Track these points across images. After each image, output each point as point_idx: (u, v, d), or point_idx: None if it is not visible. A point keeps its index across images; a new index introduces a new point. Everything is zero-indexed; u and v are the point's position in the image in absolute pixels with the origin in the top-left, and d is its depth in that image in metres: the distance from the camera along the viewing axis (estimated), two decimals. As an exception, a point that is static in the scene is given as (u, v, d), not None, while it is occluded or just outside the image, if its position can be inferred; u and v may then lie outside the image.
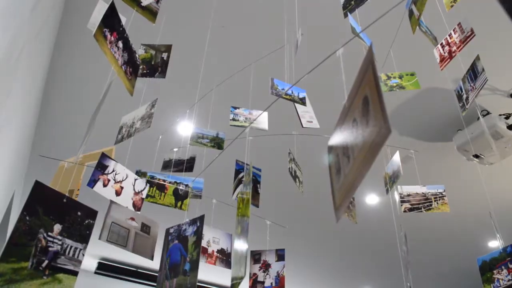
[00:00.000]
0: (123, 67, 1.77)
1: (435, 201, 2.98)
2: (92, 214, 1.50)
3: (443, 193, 3.00)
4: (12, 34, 1.96)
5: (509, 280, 2.51)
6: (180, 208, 2.82)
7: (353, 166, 0.93)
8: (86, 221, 1.46)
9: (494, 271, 2.61)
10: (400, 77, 2.62)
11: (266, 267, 2.77)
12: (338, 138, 1.09)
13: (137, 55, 1.87)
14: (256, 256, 2.85)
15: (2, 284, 1.18)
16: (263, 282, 2.71)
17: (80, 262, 1.39)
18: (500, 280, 2.55)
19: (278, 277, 2.70)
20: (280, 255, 2.80)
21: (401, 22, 2.77)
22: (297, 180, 2.91)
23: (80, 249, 1.40)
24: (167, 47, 2.46)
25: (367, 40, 2.24)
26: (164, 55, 2.47)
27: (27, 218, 1.31)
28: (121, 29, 1.83)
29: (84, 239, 1.43)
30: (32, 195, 1.36)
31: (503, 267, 2.60)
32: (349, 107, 1.05)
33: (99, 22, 1.66)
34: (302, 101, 2.53)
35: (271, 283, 2.69)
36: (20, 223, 1.29)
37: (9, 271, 1.21)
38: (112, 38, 1.76)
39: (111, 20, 1.74)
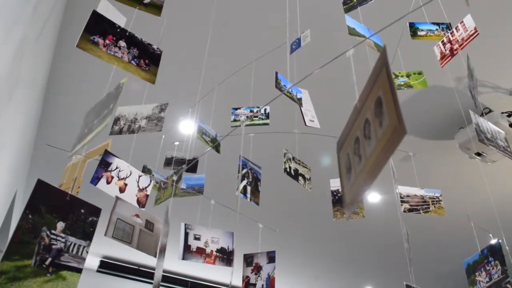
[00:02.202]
0: (133, 61, 1.78)
1: (432, 204, 3.02)
2: (96, 211, 1.51)
3: (440, 197, 3.04)
4: (15, 33, 1.96)
5: (487, 282, 2.58)
6: (175, 193, 2.85)
7: (365, 166, 0.95)
8: (90, 219, 1.47)
9: (476, 274, 2.71)
10: (408, 76, 2.63)
11: (257, 269, 2.80)
12: (349, 137, 1.11)
13: (154, 46, 1.88)
14: (248, 259, 2.88)
15: (6, 282, 1.18)
16: (254, 285, 2.75)
17: (84, 259, 1.39)
18: (481, 282, 2.62)
19: (269, 278, 2.73)
20: (271, 257, 2.83)
21: (403, 24, 2.77)
22: (300, 178, 2.91)
23: (84, 246, 1.41)
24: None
25: (376, 39, 2.23)
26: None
27: (30, 216, 1.32)
28: (118, 30, 1.83)
29: (88, 236, 1.44)
30: (34, 194, 1.37)
31: (482, 269, 2.70)
32: (360, 108, 1.06)
33: (81, 33, 1.68)
34: (299, 101, 2.53)
35: (262, 285, 2.72)
36: (22, 221, 1.30)
37: (12, 269, 1.22)
38: (107, 41, 1.77)
39: (98, 26, 1.76)
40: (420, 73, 2.65)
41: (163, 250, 1.85)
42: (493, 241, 2.69)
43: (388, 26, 1.91)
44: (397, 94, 0.86)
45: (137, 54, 1.82)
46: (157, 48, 1.89)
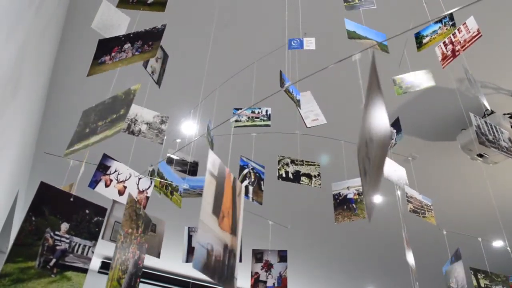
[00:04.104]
0: (137, 52, 1.78)
1: (427, 211, 3.07)
2: (101, 211, 1.50)
3: (431, 206, 3.09)
4: (18, 34, 1.96)
5: None
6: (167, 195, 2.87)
7: (373, 167, 0.98)
8: (95, 219, 1.46)
9: (450, 280, 2.86)
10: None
11: (268, 267, 2.78)
12: (361, 141, 1.13)
13: (157, 27, 1.87)
14: (258, 255, 2.86)
15: (10, 284, 1.18)
16: (265, 282, 2.73)
17: (89, 259, 1.39)
18: None
19: (281, 277, 2.72)
20: (283, 256, 2.82)
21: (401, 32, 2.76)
22: (304, 178, 2.91)
23: (89, 247, 1.40)
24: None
25: (380, 39, 2.23)
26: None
27: (33, 218, 1.32)
28: (122, 38, 1.85)
29: (93, 236, 1.44)
30: (37, 196, 1.36)
31: (453, 276, 2.88)
32: (366, 111, 1.08)
33: (91, 63, 1.70)
34: (298, 103, 2.54)
35: (274, 283, 2.70)
36: (26, 223, 1.30)
37: (16, 270, 1.22)
38: (113, 54, 1.78)
39: (104, 48, 1.78)
40: (427, 72, 2.64)
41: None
42: (501, 242, 2.77)
43: (394, 36, 1.91)
44: (383, 97, 0.89)
45: (141, 44, 1.83)
46: (161, 26, 1.88)
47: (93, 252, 1.40)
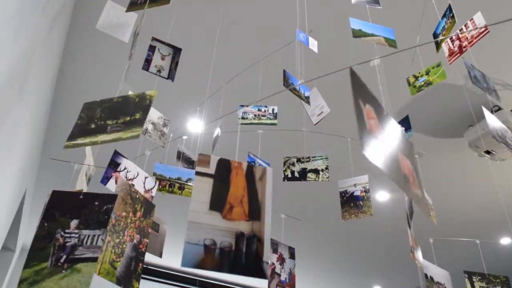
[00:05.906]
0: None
1: (430, 210, 3.08)
2: (111, 199, 1.49)
3: (432, 206, 3.11)
4: (23, 36, 1.97)
5: None
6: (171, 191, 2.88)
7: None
8: (104, 207, 1.46)
9: None
10: (427, 73, 2.61)
11: (282, 260, 2.78)
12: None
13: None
14: (273, 246, 2.84)
15: (27, 286, 1.26)
16: (279, 275, 2.72)
17: (99, 247, 1.38)
18: None
19: (291, 274, 2.72)
20: (292, 254, 2.82)
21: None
22: (311, 174, 2.92)
23: (98, 235, 1.40)
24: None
25: (389, 34, 2.22)
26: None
27: (45, 224, 1.37)
28: (134, 45, 1.90)
29: (102, 224, 1.43)
30: (49, 204, 1.41)
31: None
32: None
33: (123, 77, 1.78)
34: (307, 100, 2.54)
35: (286, 278, 2.70)
36: (39, 230, 1.36)
37: (31, 274, 1.28)
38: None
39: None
40: (439, 65, 2.62)
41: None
42: (508, 239, 2.78)
43: (408, 48, 1.91)
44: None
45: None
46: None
47: (102, 240, 1.39)
